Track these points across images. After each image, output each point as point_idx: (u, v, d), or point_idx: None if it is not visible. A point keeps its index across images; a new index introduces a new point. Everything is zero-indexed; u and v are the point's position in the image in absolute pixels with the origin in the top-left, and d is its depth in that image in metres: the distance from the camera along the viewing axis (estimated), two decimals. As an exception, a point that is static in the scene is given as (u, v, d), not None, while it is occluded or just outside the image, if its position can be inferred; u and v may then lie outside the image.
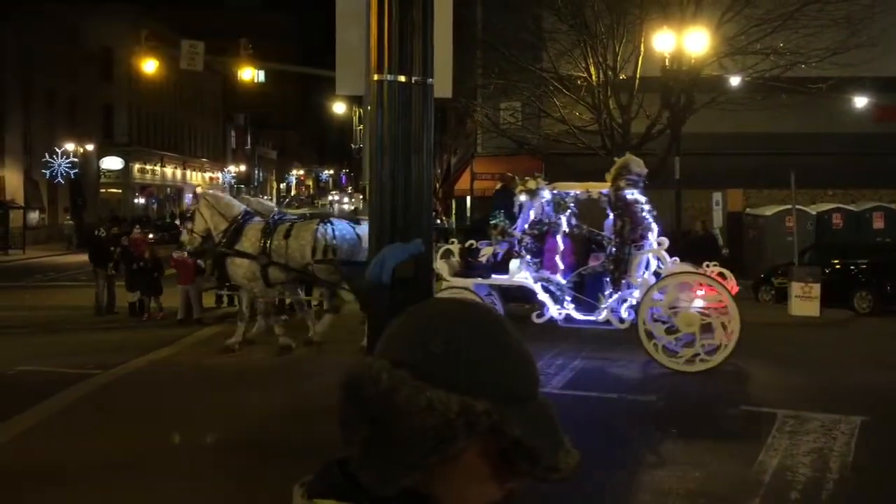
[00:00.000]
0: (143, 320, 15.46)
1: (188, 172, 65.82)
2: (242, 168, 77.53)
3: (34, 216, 42.27)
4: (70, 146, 43.73)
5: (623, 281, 10.74)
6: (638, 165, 11.07)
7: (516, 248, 11.20)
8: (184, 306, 15.08)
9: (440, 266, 11.21)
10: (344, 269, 11.11)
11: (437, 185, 32.63)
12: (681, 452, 7.12)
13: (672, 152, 18.90)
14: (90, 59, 48.93)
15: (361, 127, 28.83)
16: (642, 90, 19.08)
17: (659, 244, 10.94)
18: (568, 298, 10.97)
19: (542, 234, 11.32)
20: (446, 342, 0.99)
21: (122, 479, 6.29)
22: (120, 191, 52.91)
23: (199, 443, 7.29)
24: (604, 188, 10.99)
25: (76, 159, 44.01)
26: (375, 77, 3.29)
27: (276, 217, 12.00)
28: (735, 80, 19.33)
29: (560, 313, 10.95)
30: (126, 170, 53.07)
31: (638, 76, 18.99)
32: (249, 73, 25.95)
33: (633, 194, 10.95)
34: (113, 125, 52.73)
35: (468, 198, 27.45)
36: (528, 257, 11.12)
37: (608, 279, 10.88)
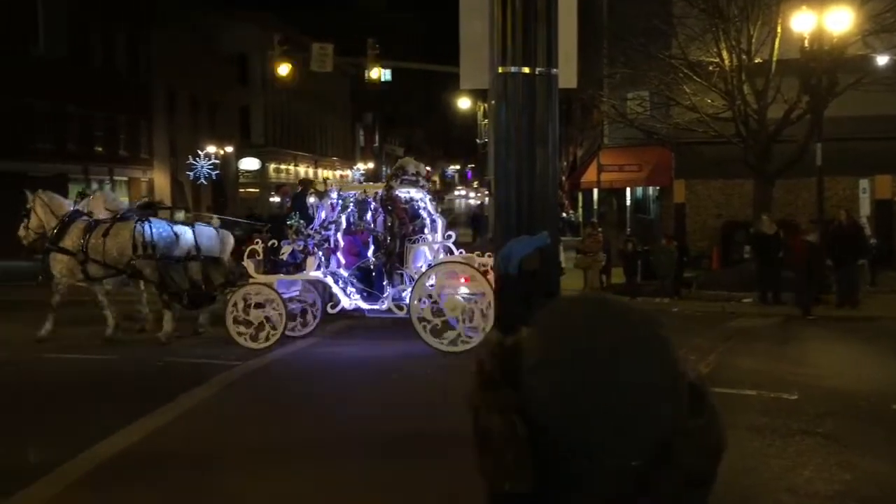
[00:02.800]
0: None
1: (320, 171, 67.95)
2: (371, 165, 79.32)
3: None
4: (211, 148, 46.03)
5: (401, 272, 11.81)
6: (415, 166, 12.47)
7: (311, 246, 12.07)
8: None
9: (246, 264, 12.29)
10: (161, 264, 12.29)
11: (563, 178, 32.27)
12: (827, 453, 6.76)
13: (813, 138, 17.94)
14: (228, 65, 51.34)
15: (486, 121, 28.88)
16: (779, 74, 18.20)
17: (449, 237, 12.37)
18: (353, 290, 12.00)
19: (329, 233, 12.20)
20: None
21: (268, 465, 6.57)
22: (257, 190, 55.26)
23: (342, 432, 7.51)
24: (380, 189, 12.21)
25: (217, 161, 46.29)
26: (499, 70, 3.29)
27: (123, 215, 12.94)
28: (882, 60, 18.13)
29: (350, 304, 12.04)
30: (262, 169, 55.38)
31: (775, 59, 18.13)
32: (376, 73, 26.51)
33: (408, 193, 12.22)
34: (250, 127, 55.15)
35: (595, 190, 27.03)
36: (320, 254, 12.04)
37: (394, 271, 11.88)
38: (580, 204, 31.78)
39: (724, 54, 18.36)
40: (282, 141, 58.41)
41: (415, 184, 12.31)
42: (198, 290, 12.68)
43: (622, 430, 0.92)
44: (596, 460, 0.93)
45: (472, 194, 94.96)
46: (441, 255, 12.09)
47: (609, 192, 26.80)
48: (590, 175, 25.58)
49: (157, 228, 12.51)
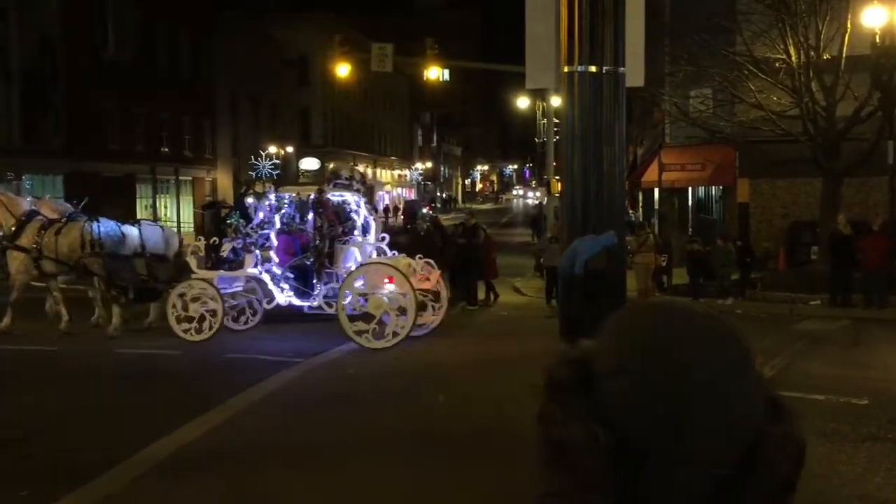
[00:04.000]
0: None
1: (378, 171, 68.48)
2: (429, 165, 79.64)
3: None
4: (272, 149, 46.82)
5: (331, 271, 12.46)
6: (348, 171, 14.03)
7: (248, 244, 12.74)
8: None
9: (189, 260, 13.07)
10: (108, 261, 12.92)
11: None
12: (898, 461, 6.55)
13: (884, 135, 17.38)
14: (289, 67, 52.13)
15: (545, 120, 28.73)
16: (849, 70, 17.66)
17: (382, 239, 13.28)
18: (286, 287, 12.58)
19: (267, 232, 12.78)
20: None
21: (321, 464, 6.65)
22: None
23: (400, 429, 7.55)
24: (313, 192, 12.82)
25: (278, 161, 47.06)
26: (565, 69, 3.26)
27: (70, 216, 13.51)
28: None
29: (285, 301, 12.68)
30: (321, 169, 56.05)
31: (844, 55, 17.61)
32: (435, 73, 26.61)
33: (341, 196, 13.03)
34: (310, 128, 55.92)
35: (656, 189, 26.65)
36: (257, 252, 12.65)
37: (324, 270, 12.51)
38: (640, 204, 31.36)
39: (791, 50, 17.90)
40: (341, 141, 59.05)
41: (348, 188, 13.18)
42: (144, 285, 13.11)
43: (707, 438, 0.90)
44: (679, 470, 0.92)
45: (529, 194, 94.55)
46: (374, 256, 12.82)
47: (670, 192, 26.39)
48: (650, 174, 25.23)
49: (104, 227, 13.17)
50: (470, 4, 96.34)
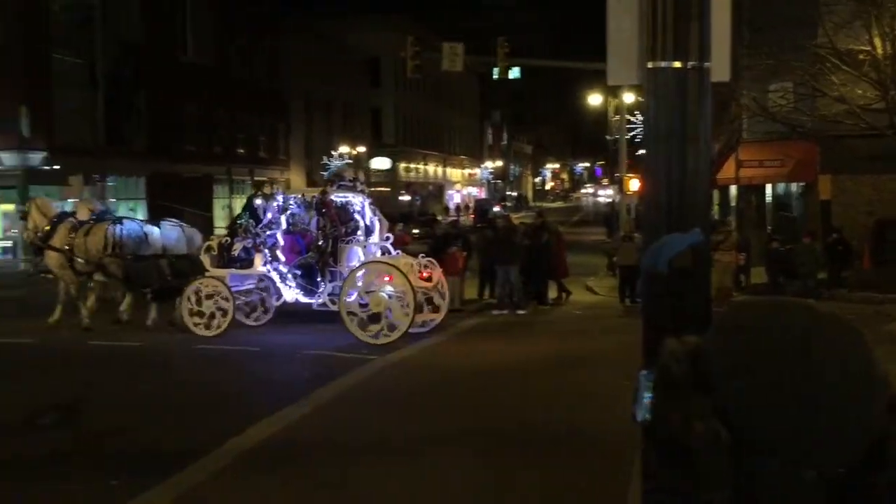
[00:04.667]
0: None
1: (448, 170, 68.74)
2: (499, 164, 79.53)
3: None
4: (344, 149, 47.48)
5: (335, 270, 12.85)
6: (352, 173, 14.19)
7: (258, 244, 13.22)
8: (450, 296, 15.76)
9: (203, 258, 13.62)
10: (128, 262, 13.41)
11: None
12: None
13: (975, 129, 16.62)
14: (361, 68, 52.76)
15: (618, 118, 28.37)
16: (939, 61, 16.94)
17: (387, 238, 13.78)
18: (292, 284, 13.03)
19: (275, 232, 13.27)
20: None
21: (404, 458, 6.72)
22: (388, 189, 56.51)
23: (477, 428, 7.58)
24: (317, 193, 13.36)
25: (350, 160, 47.69)
26: (649, 64, 3.22)
27: (100, 216, 14.15)
28: None
29: (292, 297, 13.13)
30: (393, 169, 56.60)
31: (933, 45, 16.90)
32: (506, 71, 26.52)
33: (345, 197, 13.48)
34: (381, 127, 56.50)
35: (732, 187, 26.03)
36: (266, 251, 13.13)
37: (328, 269, 12.93)
38: (716, 201, 30.67)
39: (877, 42, 17.25)
40: (411, 140, 59.48)
41: (352, 189, 13.60)
42: (164, 284, 13.44)
43: (833, 437, 0.89)
44: (803, 469, 0.91)
45: (601, 192, 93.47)
46: (377, 255, 13.35)
47: (747, 189, 25.72)
48: (727, 171, 24.64)
49: (127, 229, 13.69)
50: (542, 2, 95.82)
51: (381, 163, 55.78)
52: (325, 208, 13.03)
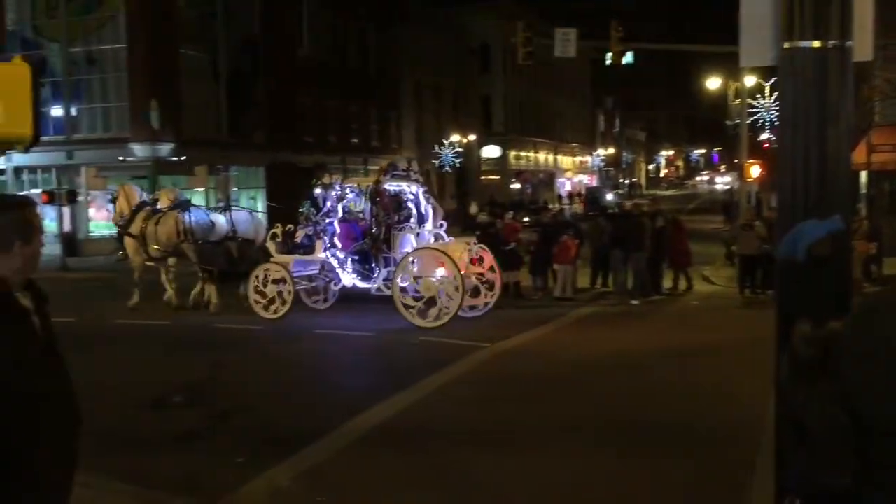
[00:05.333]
0: (532, 298, 15.86)
1: (559, 157, 68.05)
2: (611, 151, 78.14)
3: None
4: (455, 137, 47.70)
5: (388, 256, 13.31)
6: (405, 163, 14.53)
7: (318, 231, 13.83)
8: (562, 285, 15.67)
9: (269, 245, 14.26)
10: (198, 247, 14.25)
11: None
12: None
13: None
14: (471, 55, 52.83)
15: (737, 102, 27.31)
16: None
17: (441, 226, 14.16)
18: (349, 270, 13.59)
19: (336, 220, 13.79)
20: None
21: (518, 444, 6.74)
22: (498, 177, 56.45)
23: (589, 417, 7.52)
24: (371, 182, 13.73)
25: (461, 149, 47.90)
26: (785, 45, 3.08)
27: (178, 205, 14.87)
28: None
29: (349, 282, 13.71)
30: (503, 157, 56.47)
31: None
32: (619, 56, 25.96)
33: (398, 186, 13.98)
34: (491, 115, 56.42)
35: (863, 172, 24.66)
36: (326, 238, 13.73)
37: (381, 255, 13.39)
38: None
39: None
40: (522, 128, 59.14)
41: (406, 178, 14.05)
42: (233, 267, 14.34)
43: None
44: None
45: (718, 179, 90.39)
46: (431, 242, 13.75)
47: (879, 175, 24.31)
48: (857, 156, 23.32)
49: (195, 217, 14.56)
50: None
51: (491, 151, 55.74)
52: (379, 197, 13.47)
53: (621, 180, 79.69)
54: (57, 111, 29.24)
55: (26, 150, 4.75)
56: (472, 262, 13.33)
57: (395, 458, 6.46)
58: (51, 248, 24.68)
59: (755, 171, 24.69)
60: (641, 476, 5.95)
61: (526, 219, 23.18)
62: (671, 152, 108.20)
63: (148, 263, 15.03)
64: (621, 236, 15.67)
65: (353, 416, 7.46)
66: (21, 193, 25.75)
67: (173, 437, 7.09)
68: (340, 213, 13.91)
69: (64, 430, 2.64)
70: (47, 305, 2.72)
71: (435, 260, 12.82)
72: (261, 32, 33.94)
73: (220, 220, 14.81)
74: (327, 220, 13.84)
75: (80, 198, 27.72)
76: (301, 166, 35.38)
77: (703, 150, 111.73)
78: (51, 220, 27.60)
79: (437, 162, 47.36)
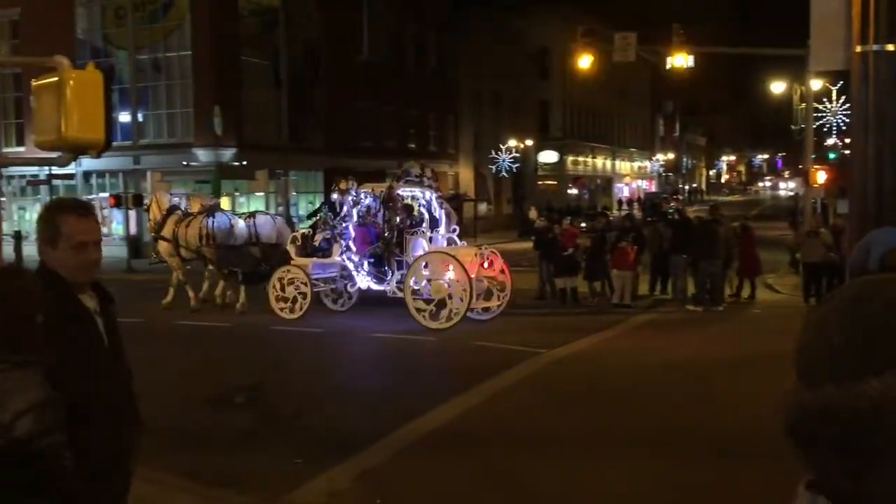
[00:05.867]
0: (588, 304, 15.82)
1: (617, 163, 67.42)
2: (670, 156, 77.09)
3: (483, 207, 46.78)
4: (512, 142, 47.61)
5: (401, 259, 13.74)
6: (418, 169, 14.53)
7: (335, 235, 14.33)
8: (619, 291, 15.49)
9: (289, 248, 14.79)
10: (217, 250, 14.92)
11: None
12: None
13: None
14: (529, 60, 52.68)
15: (803, 106, 26.70)
16: None
17: (454, 230, 14.66)
18: (364, 272, 14.06)
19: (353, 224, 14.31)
20: None
21: (572, 453, 6.68)
22: (555, 182, 56.15)
23: (647, 425, 7.42)
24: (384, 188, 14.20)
25: (517, 154, 47.78)
26: (858, 48, 3.01)
27: (210, 209, 15.52)
28: None
29: (364, 284, 14.14)
30: (560, 162, 56.17)
31: None
32: (681, 60, 25.59)
33: (411, 192, 14.50)
34: (549, 120, 56.17)
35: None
36: (343, 242, 14.22)
37: (394, 258, 13.82)
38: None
39: None
40: (579, 133, 58.76)
41: (419, 184, 14.40)
42: (254, 269, 14.91)
43: None
44: None
45: (781, 185, 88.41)
46: (443, 246, 14.16)
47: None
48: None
49: (217, 221, 15.18)
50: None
51: (548, 156, 55.49)
52: (391, 202, 13.92)
53: (681, 186, 78.49)
54: (124, 117, 30.07)
55: (98, 156, 4.89)
56: (483, 265, 13.65)
57: (453, 463, 6.47)
58: (117, 251, 25.43)
59: (821, 176, 24.08)
60: (710, 485, 5.85)
61: (583, 224, 22.99)
62: (733, 157, 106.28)
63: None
64: (687, 243, 15.34)
65: (411, 420, 7.50)
66: (87, 198, 26.58)
67: (234, 435, 7.22)
68: (355, 218, 14.38)
69: (120, 431, 2.66)
70: (113, 306, 2.77)
71: (443, 263, 13.17)
72: (321, 39, 34.40)
73: (241, 224, 15.43)
74: (343, 224, 14.33)
75: (146, 201, 28.48)
76: (358, 171, 35.73)
77: (766, 156, 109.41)
78: (118, 223, 28.40)
79: (493, 167, 47.32)
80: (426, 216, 14.48)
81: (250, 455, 6.68)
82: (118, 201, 25.76)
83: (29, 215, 30.20)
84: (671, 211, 21.76)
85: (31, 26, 29.57)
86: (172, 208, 16.08)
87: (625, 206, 57.16)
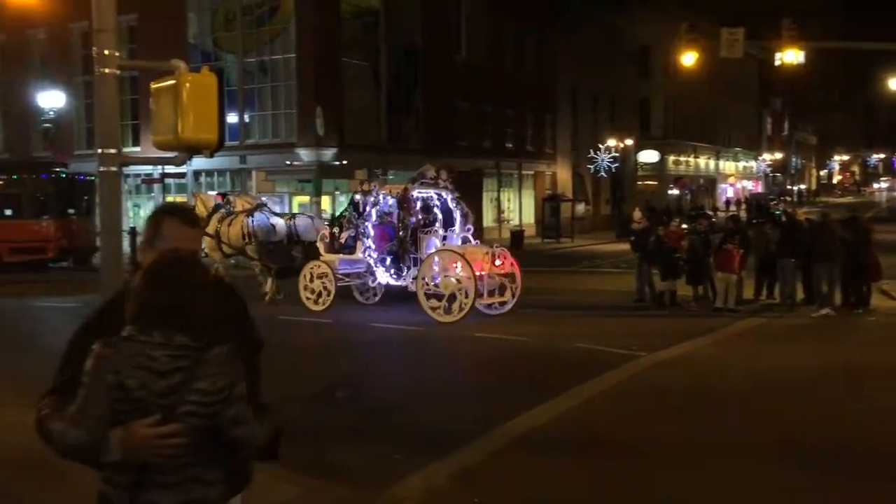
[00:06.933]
0: (690, 307, 15.43)
1: (721, 162, 65.55)
2: (778, 156, 74.40)
3: (581, 208, 46.27)
4: (611, 142, 46.88)
5: (416, 256, 14.65)
6: (434, 171, 15.30)
7: (358, 233, 15.29)
8: (723, 295, 15.04)
9: (319, 245, 15.88)
10: (259, 247, 16.13)
11: None
12: None
13: None
14: (629, 59, 51.76)
15: (924, 102, 25.23)
16: None
17: (469, 230, 15.47)
18: (382, 269, 15.07)
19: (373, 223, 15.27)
20: None
21: (673, 460, 6.53)
22: (655, 182, 55.04)
23: (748, 434, 7.18)
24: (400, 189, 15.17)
25: (616, 154, 47.02)
26: None
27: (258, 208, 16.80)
28: None
29: (384, 280, 15.22)
30: (661, 162, 55.01)
31: None
32: (791, 55, 24.61)
33: (427, 193, 15.34)
34: (649, 119, 55.08)
35: None
36: (365, 239, 15.15)
37: (409, 255, 14.71)
38: None
39: None
40: (681, 132, 57.39)
41: (434, 185, 15.24)
42: (289, 264, 16.00)
43: None
44: None
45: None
46: (458, 244, 14.94)
47: None
48: None
49: (257, 220, 16.30)
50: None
51: (648, 156, 54.43)
52: (405, 203, 14.80)
53: (789, 186, 75.60)
54: (232, 118, 31.16)
55: (211, 155, 5.08)
56: (494, 263, 14.34)
57: (551, 465, 6.41)
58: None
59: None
60: (824, 497, 5.62)
61: (684, 226, 22.44)
62: (846, 157, 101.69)
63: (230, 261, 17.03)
64: (802, 246, 14.72)
65: (508, 420, 7.47)
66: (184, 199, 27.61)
67: (335, 429, 7.37)
68: (374, 217, 15.28)
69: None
70: None
71: (451, 260, 13.99)
72: (420, 39, 34.74)
73: (280, 223, 16.65)
74: (365, 224, 15.25)
75: (192, 201, 29.50)
76: (456, 171, 35.93)
77: (883, 155, 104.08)
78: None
79: (591, 167, 46.73)
80: (440, 216, 15.44)
81: (351, 449, 6.81)
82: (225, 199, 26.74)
83: (143, 212, 31.67)
84: (779, 213, 20.91)
85: (146, 31, 31.00)
86: (216, 207, 17.33)
87: (732, 207, 55.53)
